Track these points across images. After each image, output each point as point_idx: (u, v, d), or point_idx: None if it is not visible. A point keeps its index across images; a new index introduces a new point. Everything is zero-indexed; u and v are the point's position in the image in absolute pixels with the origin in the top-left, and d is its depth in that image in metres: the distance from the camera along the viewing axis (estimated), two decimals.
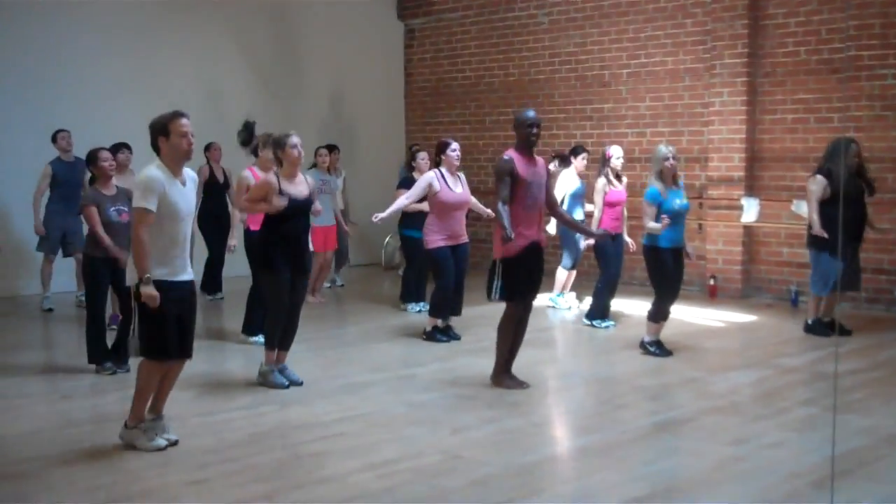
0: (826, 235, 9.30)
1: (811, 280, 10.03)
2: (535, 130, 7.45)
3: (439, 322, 9.49)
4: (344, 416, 6.80)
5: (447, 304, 9.45)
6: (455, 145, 9.44)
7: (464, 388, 7.57)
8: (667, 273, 8.74)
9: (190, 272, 6.07)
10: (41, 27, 12.19)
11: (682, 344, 9.28)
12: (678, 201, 8.71)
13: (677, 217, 8.68)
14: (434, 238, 9.30)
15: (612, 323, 10.26)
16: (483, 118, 15.35)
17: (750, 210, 12.17)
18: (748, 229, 12.48)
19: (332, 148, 12.40)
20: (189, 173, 6.09)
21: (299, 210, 7.49)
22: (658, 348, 8.86)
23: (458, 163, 9.44)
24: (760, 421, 6.77)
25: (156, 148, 5.94)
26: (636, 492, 5.33)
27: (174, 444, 6.01)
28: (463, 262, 9.48)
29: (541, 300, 11.04)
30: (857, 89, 11.51)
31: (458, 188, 9.37)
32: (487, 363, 8.10)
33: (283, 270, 7.40)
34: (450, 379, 7.90)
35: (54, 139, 11.06)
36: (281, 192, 7.32)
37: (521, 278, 7.47)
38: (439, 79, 15.99)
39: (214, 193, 11.85)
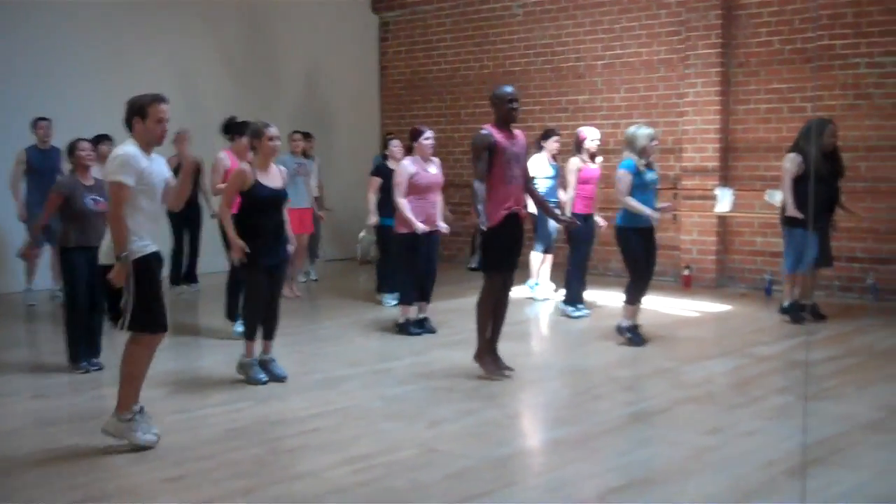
0: (801, 216, 9.32)
1: (785, 258, 10.03)
2: (514, 105, 7.48)
3: (412, 313, 9.45)
4: (320, 411, 6.79)
5: (415, 290, 9.41)
6: (429, 133, 9.41)
7: (440, 381, 7.57)
8: (639, 253, 8.76)
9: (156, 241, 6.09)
10: (20, 18, 12.12)
11: (657, 334, 9.31)
12: (651, 175, 8.75)
13: (648, 191, 8.70)
14: (408, 222, 9.18)
15: (587, 311, 10.29)
16: (458, 110, 15.34)
17: (724, 200, 12.22)
18: (722, 219, 12.54)
19: (306, 135, 12.36)
20: (155, 155, 6.08)
21: (274, 202, 7.47)
22: (634, 335, 8.87)
23: (430, 151, 9.41)
24: (735, 410, 6.80)
25: (129, 126, 5.92)
26: (612, 482, 5.34)
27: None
28: (433, 251, 9.44)
29: (518, 291, 11.09)
30: (830, 78, 11.57)
31: (432, 169, 9.37)
32: (463, 356, 8.11)
33: (260, 263, 7.37)
34: (426, 372, 7.89)
35: (34, 126, 11.02)
36: (257, 184, 7.30)
37: (500, 250, 7.47)
38: (414, 71, 15.97)
39: None
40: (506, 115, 7.49)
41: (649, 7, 13.17)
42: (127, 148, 5.85)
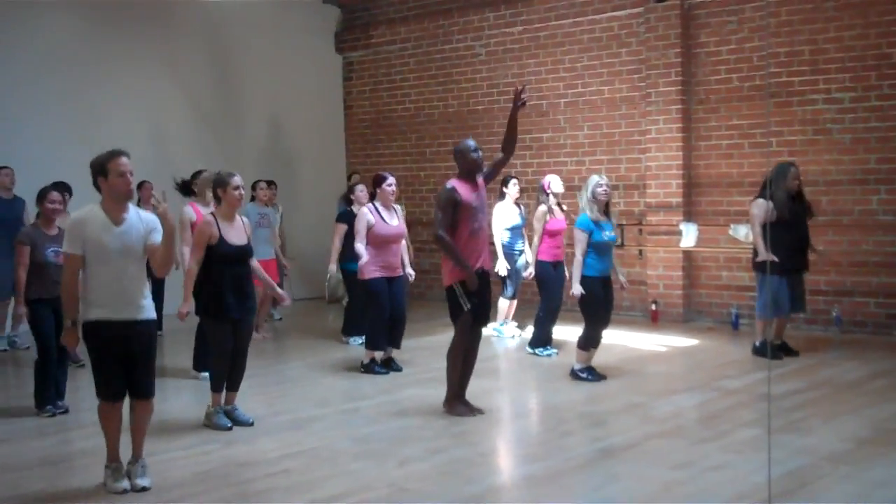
0: (775, 258, 9.25)
1: (757, 303, 10.06)
2: (478, 154, 7.61)
3: (377, 355, 9.44)
4: (289, 452, 6.75)
5: (382, 336, 9.38)
6: (391, 180, 9.42)
7: (409, 420, 7.55)
8: (595, 301, 8.78)
9: (142, 310, 5.92)
10: None
11: (626, 369, 9.35)
12: (607, 233, 8.80)
13: (606, 249, 8.79)
14: (369, 269, 9.21)
15: (554, 351, 10.29)
16: (423, 149, 15.41)
17: (689, 235, 12.32)
18: (688, 254, 12.64)
19: (269, 183, 12.35)
20: (144, 215, 6.00)
21: (238, 258, 7.38)
22: (590, 373, 8.90)
23: (392, 197, 9.42)
24: (704, 444, 6.83)
25: (98, 187, 5.87)
26: None
27: (141, 490, 5.88)
28: (400, 295, 9.42)
29: (485, 330, 11.08)
30: (789, 114, 11.74)
31: (393, 221, 9.34)
32: (433, 394, 8.11)
33: (224, 316, 7.29)
34: (395, 411, 7.87)
35: None
36: (221, 241, 7.23)
37: (472, 303, 7.50)
38: (379, 111, 16.03)
39: None
40: (471, 166, 7.57)
41: (610, 46, 13.32)
42: (75, 215, 5.85)
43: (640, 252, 12.95)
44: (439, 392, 7.90)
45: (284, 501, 5.71)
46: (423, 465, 6.41)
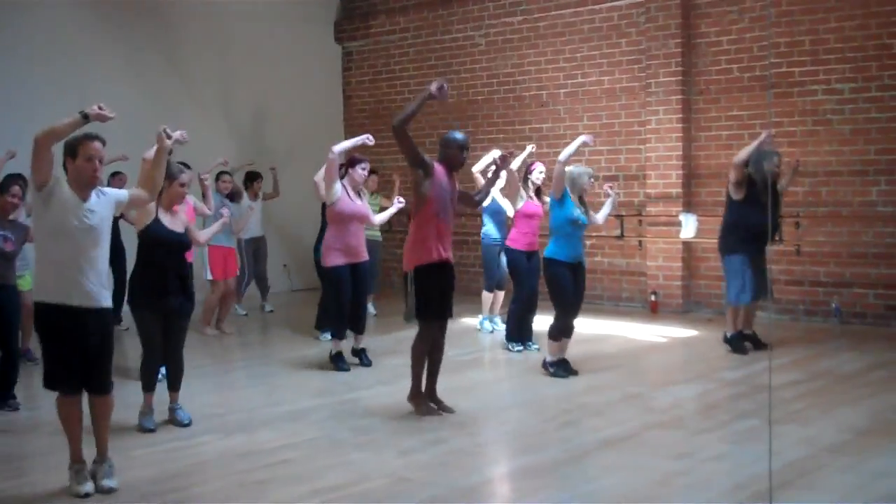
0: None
1: (728, 289, 9.86)
2: (465, 154, 7.50)
3: (342, 345, 9.32)
4: (288, 442, 6.74)
5: (344, 325, 9.29)
6: (366, 164, 9.37)
7: (408, 411, 7.53)
8: (565, 288, 8.62)
9: (100, 299, 5.67)
10: None
11: (625, 360, 9.36)
12: (578, 212, 8.68)
13: (576, 229, 8.67)
14: (331, 256, 9.10)
15: (534, 346, 10.00)
16: (423, 140, 15.35)
17: (688, 226, 12.31)
18: (687, 245, 12.63)
19: (254, 176, 12.35)
20: (106, 191, 5.81)
21: (173, 245, 7.14)
22: (561, 368, 8.74)
23: (361, 181, 9.35)
24: (703, 434, 6.83)
25: (65, 168, 5.68)
26: None
27: (108, 491, 5.64)
28: (364, 281, 9.35)
29: (470, 322, 11.05)
30: (789, 105, 11.72)
31: (357, 201, 9.24)
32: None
33: (151, 308, 7.03)
34: (394, 402, 7.85)
35: None
36: (156, 221, 7.03)
37: (433, 295, 7.37)
38: (378, 101, 16.01)
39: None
40: (452, 161, 7.46)
41: (610, 36, 13.30)
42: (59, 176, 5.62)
43: (640, 243, 12.95)
44: (438, 383, 7.88)
45: (284, 491, 5.71)
46: (423, 455, 6.42)
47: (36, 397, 7.78)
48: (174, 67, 14.04)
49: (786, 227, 11.51)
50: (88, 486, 5.62)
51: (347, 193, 9.15)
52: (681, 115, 12.52)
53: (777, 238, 10.05)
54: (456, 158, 7.47)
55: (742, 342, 9.71)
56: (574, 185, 8.71)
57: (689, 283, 12.74)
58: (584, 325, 10.64)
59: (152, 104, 13.54)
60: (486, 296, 11.16)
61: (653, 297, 12.66)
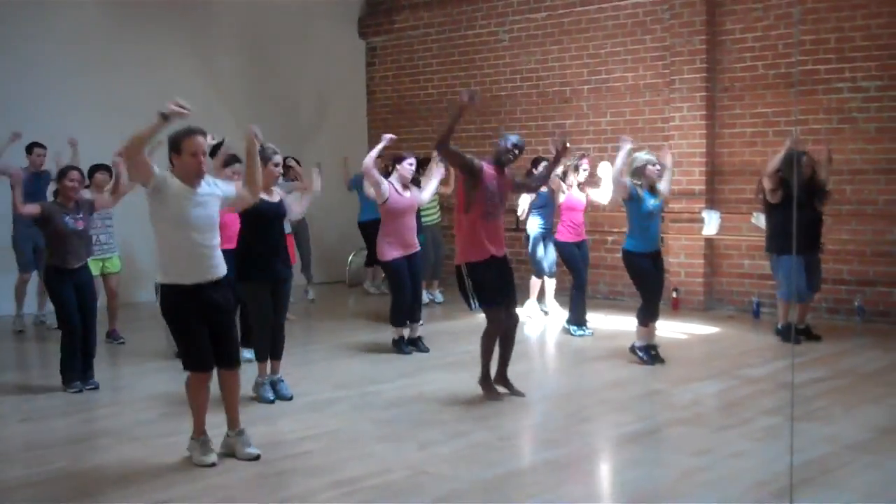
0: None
1: (779, 286, 10.21)
2: (514, 153, 7.65)
3: (405, 332, 9.60)
4: (309, 433, 6.78)
5: (404, 315, 9.57)
6: (412, 160, 9.65)
7: (430, 404, 7.56)
8: (647, 276, 8.95)
9: (216, 270, 5.96)
10: (17, 41, 12.18)
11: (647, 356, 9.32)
12: (652, 202, 8.90)
13: (650, 219, 8.91)
14: (387, 250, 9.40)
15: (588, 331, 10.48)
16: (455, 137, 15.35)
17: (711, 223, 12.27)
18: (709, 242, 12.59)
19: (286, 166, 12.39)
20: (221, 184, 6.14)
21: (272, 216, 7.55)
22: (646, 353, 8.99)
23: (410, 176, 9.58)
24: (724, 431, 6.82)
25: (171, 162, 5.92)
26: None
27: (254, 458, 6.05)
28: (418, 272, 9.69)
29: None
30: (814, 103, 11.66)
31: (407, 194, 9.50)
32: (453, 378, 8.14)
33: (261, 279, 7.45)
34: (416, 394, 7.88)
35: (29, 151, 10.99)
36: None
37: (492, 285, 7.51)
38: (401, 96, 16.02)
39: None
40: (499, 157, 7.64)
41: (634, 32, 13.26)
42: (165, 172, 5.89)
43: (662, 239, 12.87)
44: (460, 376, 7.93)
45: (305, 483, 5.73)
46: (444, 448, 6.43)
47: (122, 377, 8.48)
48: (200, 63, 14.08)
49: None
50: (214, 457, 6.01)
51: (396, 189, 9.40)
52: (705, 112, 12.46)
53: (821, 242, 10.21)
54: (501, 155, 7.64)
55: (790, 333, 9.84)
56: (638, 176, 8.85)
57: (712, 280, 12.69)
58: (606, 321, 10.68)
59: (175, 99, 13.61)
60: (534, 282, 11.66)
61: (675, 294, 12.61)
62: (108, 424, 7.09)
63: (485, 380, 7.74)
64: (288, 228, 11.41)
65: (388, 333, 9.89)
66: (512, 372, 7.99)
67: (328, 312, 12.66)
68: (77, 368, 8.04)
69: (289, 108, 15.31)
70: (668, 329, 10.97)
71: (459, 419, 7.13)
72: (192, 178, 5.84)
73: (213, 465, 5.94)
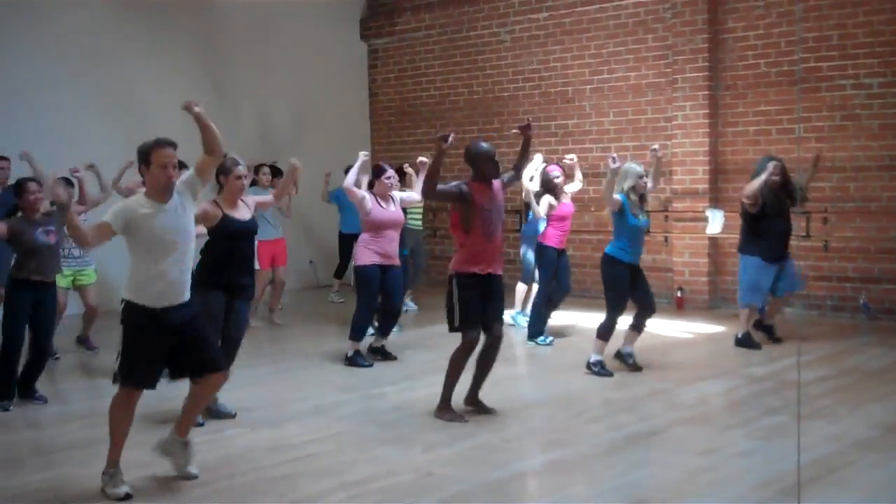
0: None
1: (740, 290, 10.03)
2: (496, 162, 7.29)
3: (361, 346, 9.35)
4: (315, 437, 6.78)
5: (366, 327, 9.35)
6: (390, 173, 9.35)
7: (434, 406, 7.53)
8: (622, 287, 8.66)
9: (184, 295, 5.75)
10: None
11: (651, 356, 9.32)
12: (642, 216, 8.77)
13: (639, 234, 8.76)
14: (365, 255, 9.13)
15: (549, 339, 10.25)
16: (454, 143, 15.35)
17: (715, 222, 12.26)
18: (713, 241, 12.58)
19: (274, 172, 12.18)
20: (179, 184, 5.83)
21: (244, 234, 7.25)
22: (601, 368, 8.71)
23: (390, 190, 9.33)
24: (729, 430, 6.82)
25: (141, 174, 5.82)
26: None
27: (193, 477, 5.84)
28: (397, 286, 9.36)
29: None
30: (817, 100, 11.65)
31: (391, 207, 9.27)
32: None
33: (219, 287, 7.04)
34: (420, 397, 7.87)
35: None
36: (225, 219, 7.09)
37: (473, 304, 7.17)
38: (404, 98, 16.03)
39: None
40: (487, 173, 7.22)
41: (636, 32, 13.27)
42: (125, 203, 5.74)
43: (666, 238, 12.90)
44: (463, 378, 7.87)
45: (311, 486, 5.74)
46: (449, 450, 6.43)
47: (98, 388, 8.10)
48: (203, 66, 14.09)
49: (814, 222, 11.47)
50: (126, 487, 5.60)
51: (378, 203, 9.20)
52: (707, 111, 12.46)
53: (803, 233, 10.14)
54: (489, 172, 7.25)
55: (750, 340, 9.80)
56: (631, 189, 8.71)
57: (716, 279, 12.69)
58: (598, 321, 10.63)
59: (177, 101, 13.59)
60: (520, 287, 11.24)
61: (679, 293, 12.62)
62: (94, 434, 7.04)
63: (442, 407, 7.29)
64: (277, 233, 11.45)
65: (390, 337, 9.79)
66: (511, 375, 7.97)
67: (332, 315, 12.65)
68: (11, 384, 7.71)
69: (290, 110, 15.30)
70: (672, 328, 10.98)
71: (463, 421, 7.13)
72: (162, 191, 5.65)
73: (127, 496, 5.53)
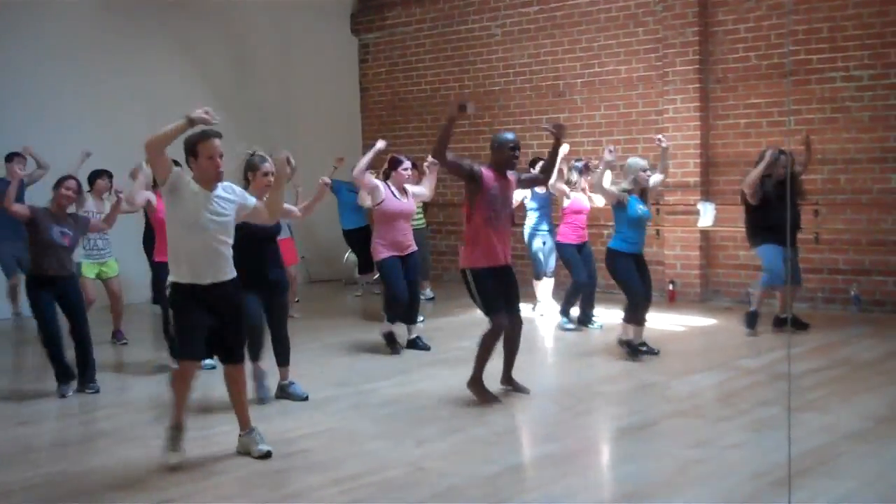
0: None
1: (763, 275, 10.11)
2: (516, 153, 7.46)
3: (394, 328, 9.53)
4: (307, 431, 6.78)
5: (398, 310, 9.49)
6: (407, 164, 9.49)
7: (427, 401, 7.56)
8: (630, 274, 8.88)
9: (226, 272, 5.98)
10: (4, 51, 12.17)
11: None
12: (641, 208, 8.85)
13: (640, 224, 8.89)
14: (382, 250, 9.34)
15: (573, 326, 10.48)
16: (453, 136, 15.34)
17: (706, 215, 12.27)
18: (705, 234, 12.60)
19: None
20: (239, 191, 6.13)
21: (268, 232, 7.42)
22: (631, 349, 8.95)
23: (405, 181, 9.49)
24: (722, 423, 6.83)
25: (189, 166, 5.95)
26: (600, 497, 5.35)
27: (265, 455, 6.08)
28: (413, 273, 9.52)
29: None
30: (807, 92, 11.67)
31: (403, 199, 9.43)
32: (450, 374, 8.13)
33: (253, 289, 7.26)
34: (413, 392, 7.88)
35: (9, 159, 10.85)
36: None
37: (495, 292, 7.42)
38: (395, 93, 16.02)
39: None
40: (503, 161, 7.42)
41: (626, 25, 13.27)
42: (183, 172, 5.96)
43: (658, 232, 12.92)
44: (456, 372, 7.91)
45: (304, 480, 5.74)
46: (442, 444, 6.43)
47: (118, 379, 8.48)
48: (190, 61, 14.07)
49: (804, 214, 11.47)
50: (177, 457, 5.97)
51: (392, 193, 9.35)
52: (698, 104, 12.48)
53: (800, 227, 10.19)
54: (508, 161, 7.44)
55: (754, 319, 9.96)
56: (631, 182, 8.90)
57: (707, 271, 12.71)
58: (602, 314, 10.67)
59: (168, 97, 13.59)
60: (535, 283, 11.46)
61: (671, 287, 12.64)
62: (107, 426, 7.07)
63: (476, 382, 7.52)
64: (287, 233, 11.50)
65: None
66: (500, 368, 7.94)
67: (324, 310, 12.66)
68: (67, 374, 7.98)
69: (281, 106, 15.29)
70: (664, 321, 10.99)
71: (456, 415, 7.13)
72: (210, 181, 5.86)
73: (176, 465, 5.89)
